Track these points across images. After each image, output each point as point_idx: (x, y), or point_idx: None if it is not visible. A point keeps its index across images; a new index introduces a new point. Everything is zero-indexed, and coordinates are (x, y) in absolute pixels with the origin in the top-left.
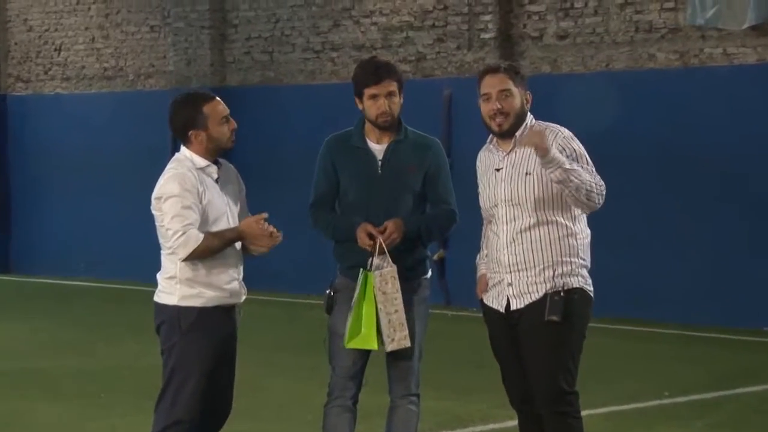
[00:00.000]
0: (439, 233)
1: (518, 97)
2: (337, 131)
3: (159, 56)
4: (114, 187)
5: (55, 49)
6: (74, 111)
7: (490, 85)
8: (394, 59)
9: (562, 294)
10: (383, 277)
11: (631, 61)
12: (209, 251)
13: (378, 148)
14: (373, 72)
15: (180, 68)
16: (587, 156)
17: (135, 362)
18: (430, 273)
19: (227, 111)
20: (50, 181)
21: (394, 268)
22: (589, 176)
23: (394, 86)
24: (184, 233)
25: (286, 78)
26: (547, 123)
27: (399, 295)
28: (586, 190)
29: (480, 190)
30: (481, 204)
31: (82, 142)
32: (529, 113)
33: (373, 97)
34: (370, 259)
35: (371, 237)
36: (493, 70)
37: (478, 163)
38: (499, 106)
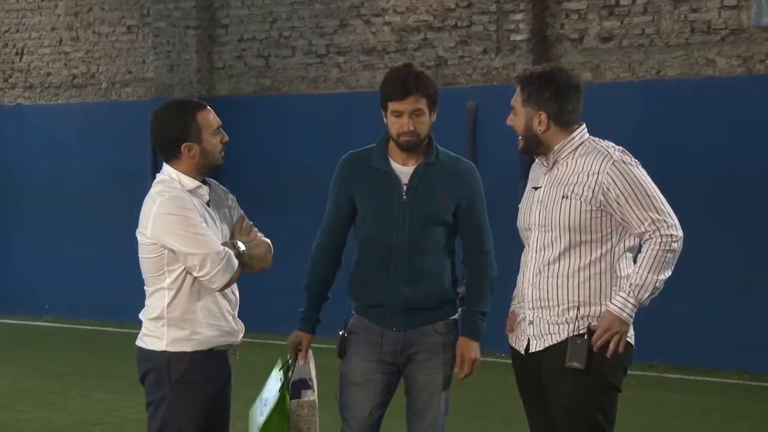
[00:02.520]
0: (489, 298)
1: (522, 117)
2: (345, 148)
3: (137, 61)
4: (84, 215)
5: (17, 53)
6: (38, 125)
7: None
8: None
9: (586, 337)
10: (300, 405)
11: (686, 67)
12: (239, 272)
13: (404, 170)
14: (399, 84)
15: (161, 75)
16: (645, 183)
17: (107, 416)
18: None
19: (219, 121)
20: (10, 207)
21: (315, 399)
22: (649, 266)
23: (422, 103)
24: (222, 253)
25: (284, 86)
26: (598, 141)
27: (316, 418)
28: (665, 276)
29: (519, 206)
30: (518, 223)
31: (47, 161)
32: (578, 129)
33: (396, 113)
34: (287, 374)
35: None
36: (515, 79)
37: (530, 173)
38: (508, 123)
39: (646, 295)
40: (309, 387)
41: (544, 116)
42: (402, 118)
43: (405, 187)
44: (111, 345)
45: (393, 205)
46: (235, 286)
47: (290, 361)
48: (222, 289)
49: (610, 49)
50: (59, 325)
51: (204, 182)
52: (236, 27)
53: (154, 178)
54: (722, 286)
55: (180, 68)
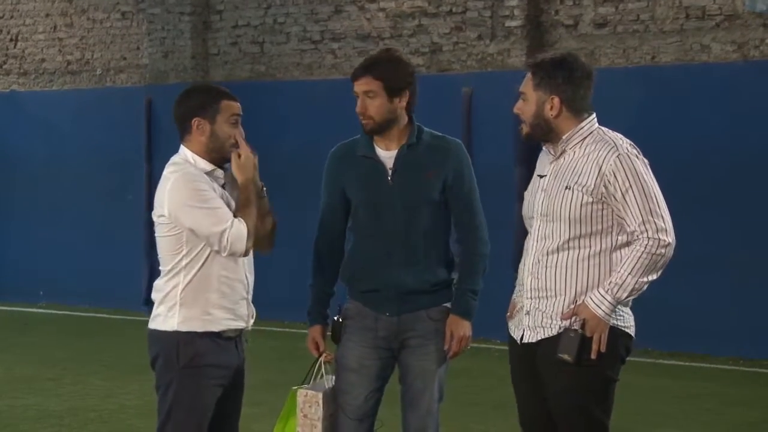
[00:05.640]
0: (481, 277)
1: (533, 103)
2: (340, 134)
3: (131, 47)
4: (79, 201)
5: (11, 39)
6: (33, 111)
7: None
8: (405, 51)
9: (579, 331)
10: (308, 399)
11: (680, 53)
12: (256, 224)
13: (388, 155)
14: (359, 65)
15: (156, 61)
16: (645, 181)
17: (102, 402)
18: None
19: (240, 113)
20: (4, 193)
21: (320, 393)
22: (631, 267)
23: (373, 86)
24: (231, 227)
25: (279, 73)
26: (608, 132)
27: (320, 423)
28: (647, 279)
29: (525, 193)
30: (523, 211)
31: (41, 147)
32: (588, 118)
33: (356, 94)
34: (309, 374)
35: (318, 345)
36: (526, 65)
37: (538, 162)
38: (515, 110)
39: (624, 295)
40: (317, 389)
41: (556, 101)
42: (358, 100)
43: (390, 171)
44: (106, 331)
45: (380, 190)
46: (251, 270)
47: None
48: (247, 254)
49: (604, 35)
50: (54, 311)
51: (223, 168)
52: (231, 13)
53: (149, 164)
54: (717, 272)
55: (174, 54)
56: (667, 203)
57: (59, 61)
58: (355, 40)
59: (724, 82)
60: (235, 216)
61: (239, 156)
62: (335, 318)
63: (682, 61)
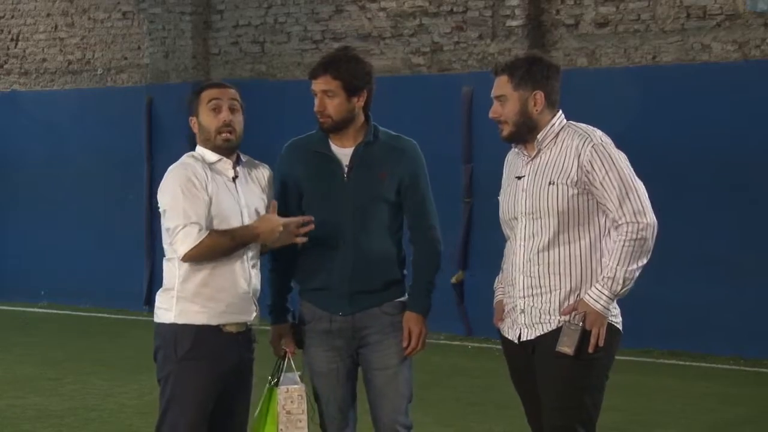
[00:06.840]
0: (436, 274)
1: (515, 102)
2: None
3: (132, 47)
4: (80, 201)
5: (12, 39)
6: (33, 111)
7: (493, 88)
8: (406, 50)
9: (579, 324)
10: (289, 395)
11: (681, 52)
12: (216, 251)
13: (344, 152)
14: (318, 64)
15: (157, 61)
16: (624, 170)
17: (103, 402)
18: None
19: (221, 96)
20: (6, 193)
21: (303, 386)
22: (618, 258)
23: (332, 85)
24: (184, 227)
25: (280, 72)
26: (579, 124)
27: (305, 416)
28: (637, 266)
29: (500, 198)
30: (500, 215)
31: (42, 147)
32: (558, 114)
33: (314, 93)
34: (277, 372)
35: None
36: (494, 71)
37: (505, 166)
38: (492, 115)
39: (619, 288)
40: (296, 383)
41: (540, 95)
42: (316, 99)
43: (346, 168)
44: (107, 331)
45: (335, 186)
46: (256, 265)
47: (278, 362)
48: (186, 260)
49: (605, 35)
50: (55, 311)
51: (239, 160)
52: (231, 13)
53: (149, 163)
54: (718, 271)
55: (175, 54)
56: (667, 203)
57: (60, 61)
58: (356, 39)
59: (725, 82)
60: (211, 227)
61: (273, 220)
62: (293, 323)
63: (683, 60)
